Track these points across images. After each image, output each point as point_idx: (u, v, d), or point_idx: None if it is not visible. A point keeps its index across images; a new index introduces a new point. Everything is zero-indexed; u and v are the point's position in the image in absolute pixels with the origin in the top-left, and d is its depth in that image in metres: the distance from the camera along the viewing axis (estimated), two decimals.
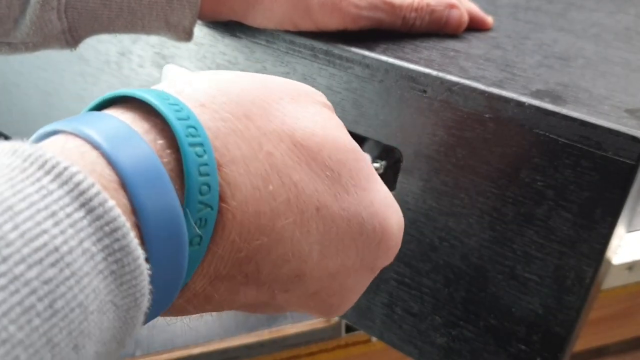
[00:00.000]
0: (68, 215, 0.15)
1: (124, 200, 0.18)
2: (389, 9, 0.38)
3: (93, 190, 0.16)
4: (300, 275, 0.23)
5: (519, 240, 0.32)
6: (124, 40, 0.47)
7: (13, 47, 0.36)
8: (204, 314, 0.23)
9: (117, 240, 0.16)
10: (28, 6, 0.33)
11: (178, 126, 0.19)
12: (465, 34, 0.42)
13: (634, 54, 0.42)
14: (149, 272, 0.18)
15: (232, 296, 0.22)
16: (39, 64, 0.54)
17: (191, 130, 0.20)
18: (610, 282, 0.63)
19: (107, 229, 0.16)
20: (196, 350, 0.55)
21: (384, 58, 0.35)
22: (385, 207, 0.25)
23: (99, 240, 0.16)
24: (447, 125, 0.33)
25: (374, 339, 0.60)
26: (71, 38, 0.36)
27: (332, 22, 0.37)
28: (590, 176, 0.29)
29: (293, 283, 0.23)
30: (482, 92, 0.32)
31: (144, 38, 0.45)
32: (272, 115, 0.22)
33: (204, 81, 0.22)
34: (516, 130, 0.31)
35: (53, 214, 0.15)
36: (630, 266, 0.62)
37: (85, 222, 0.16)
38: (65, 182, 0.16)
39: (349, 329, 0.59)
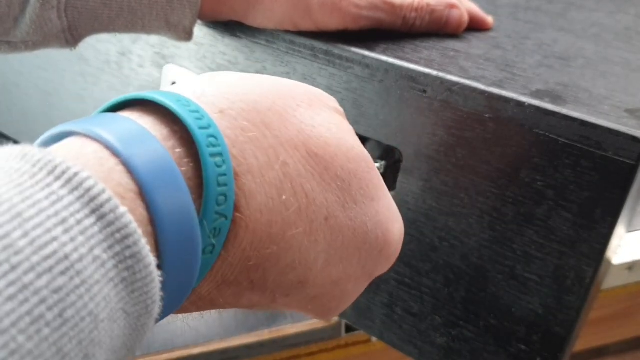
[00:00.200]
0: (79, 222, 0.15)
1: (141, 209, 0.17)
2: (389, 9, 0.38)
3: (104, 197, 0.16)
4: (304, 282, 0.23)
5: (519, 240, 0.32)
6: (124, 40, 0.47)
7: (13, 46, 0.36)
8: (205, 312, 0.23)
9: (129, 247, 0.16)
10: (28, 5, 0.33)
11: (200, 136, 0.19)
12: (465, 34, 0.42)
13: (634, 54, 0.42)
14: (161, 279, 0.17)
15: (235, 300, 0.22)
16: (39, 63, 0.54)
17: (212, 139, 0.19)
18: (610, 282, 0.63)
19: (118, 235, 0.16)
20: (196, 350, 0.55)
21: (384, 58, 0.35)
22: (388, 216, 0.25)
23: (110, 247, 0.16)
24: (447, 125, 0.33)
25: (374, 339, 0.60)
26: (71, 37, 0.36)
27: (332, 22, 0.37)
28: (590, 176, 0.29)
29: (296, 289, 0.23)
30: (482, 92, 0.32)
31: (144, 38, 0.45)
32: (289, 122, 0.22)
33: (221, 85, 0.22)
34: (516, 130, 0.31)
35: (63, 220, 0.15)
36: (630, 266, 0.62)
37: (96, 228, 0.16)
38: (76, 188, 0.16)
39: (349, 329, 0.59)
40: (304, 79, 0.38)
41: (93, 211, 0.16)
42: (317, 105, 0.24)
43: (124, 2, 0.35)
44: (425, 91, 0.33)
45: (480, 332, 0.35)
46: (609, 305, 0.68)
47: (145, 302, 0.17)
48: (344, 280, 0.25)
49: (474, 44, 0.40)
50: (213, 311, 0.23)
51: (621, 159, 0.28)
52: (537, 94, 0.31)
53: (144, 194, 0.18)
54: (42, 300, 0.14)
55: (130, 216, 0.16)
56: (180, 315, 0.23)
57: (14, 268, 0.14)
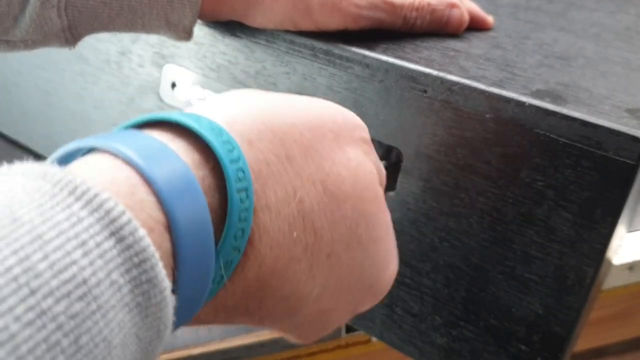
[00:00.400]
0: (98, 245, 0.15)
1: (167, 242, 0.17)
2: (390, 8, 0.38)
3: (124, 219, 0.16)
4: (295, 311, 0.24)
5: (519, 240, 0.32)
6: (124, 39, 0.47)
7: (12, 45, 0.35)
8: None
9: (145, 271, 0.16)
10: (28, 4, 0.33)
11: (231, 171, 0.19)
12: (465, 33, 0.42)
13: (635, 53, 0.42)
14: (175, 304, 0.17)
15: (226, 321, 0.23)
16: (39, 63, 0.54)
17: (240, 174, 0.20)
18: (610, 282, 0.63)
19: (136, 259, 0.16)
20: (196, 351, 0.55)
21: (384, 58, 0.35)
22: (386, 257, 0.26)
23: (127, 271, 0.16)
24: (447, 125, 0.33)
25: (374, 339, 0.60)
26: (71, 36, 0.36)
27: (332, 22, 0.37)
28: (590, 176, 0.29)
29: (286, 317, 0.24)
30: (483, 92, 0.32)
31: (143, 38, 0.45)
32: (311, 157, 0.22)
33: (252, 110, 0.22)
34: (516, 130, 0.31)
35: (83, 243, 0.15)
36: (631, 266, 0.62)
37: (114, 252, 0.15)
38: (96, 210, 0.16)
39: (349, 329, 0.59)
40: (304, 78, 0.38)
41: (112, 233, 0.16)
42: (342, 137, 0.24)
43: (124, 1, 0.35)
44: (425, 91, 0.33)
45: (481, 332, 0.35)
46: (610, 306, 0.68)
47: (157, 327, 0.17)
48: (330, 311, 0.25)
49: (475, 44, 0.40)
50: None
51: (621, 159, 0.28)
52: (537, 94, 0.31)
53: (171, 227, 0.17)
54: (59, 327, 0.14)
55: (149, 239, 0.16)
56: None
57: (33, 292, 0.13)
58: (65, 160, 0.19)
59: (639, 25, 0.50)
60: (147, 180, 0.18)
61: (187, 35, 0.38)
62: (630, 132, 0.28)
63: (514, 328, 0.34)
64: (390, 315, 0.38)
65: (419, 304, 0.37)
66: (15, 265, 0.13)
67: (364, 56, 0.35)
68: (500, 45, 0.40)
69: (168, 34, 0.38)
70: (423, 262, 0.36)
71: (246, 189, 0.20)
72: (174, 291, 0.17)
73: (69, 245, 0.15)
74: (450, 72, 0.33)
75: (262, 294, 0.22)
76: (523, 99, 0.31)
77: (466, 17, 0.41)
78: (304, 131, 0.23)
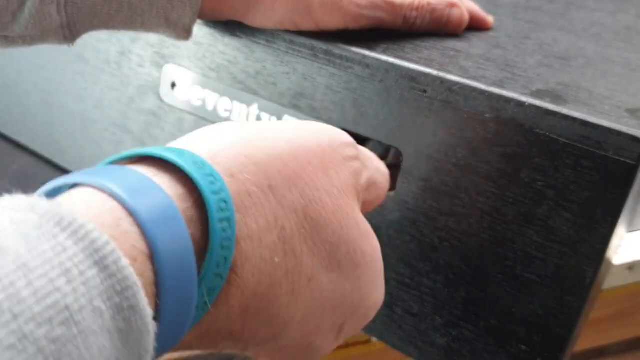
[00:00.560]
0: (81, 273, 0.15)
1: (149, 272, 0.18)
2: (390, 8, 0.38)
3: (108, 248, 0.16)
4: (278, 335, 0.24)
5: (519, 240, 0.32)
6: (124, 39, 0.47)
7: (10, 41, 0.35)
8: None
9: (127, 298, 0.16)
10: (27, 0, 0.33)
11: (212, 202, 0.20)
12: (465, 33, 0.42)
13: (635, 53, 0.42)
14: (156, 331, 0.18)
15: (209, 346, 0.23)
16: (39, 62, 0.54)
17: (222, 204, 0.20)
18: (610, 282, 0.63)
19: (118, 287, 0.16)
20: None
21: (384, 58, 0.35)
22: (369, 284, 0.26)
23: (110, 298, 0.16)
24: (447, 125, 0.33)
25: (374, 339, 0.60)
26: (69, 33, 0.35)
27: (332, 22, 0.37)
28: (590, 176, 0.29)
29: (268, 341, 0.24)
30: (483, 92, 0.32)
31: (143, 37, 0.45)
32: (295, 185, 0.23)
33: (235, 144, 0.23)
34: (516, 130, 0.31)
35: (67, 271, 0.15)
36: (631, 266, 0.62)
37: (97, 280, 0.16)
38: (81, 240, 0.16)
39: None
40: (304, 78, 0.38)
41: (96, 262, 0.16)
42: (328, 162, 0.25)
43: None
44: (425, 91, 0.33)
45: (481, 332, 0.35)
46: (610, 306, 0.68)
47: (139, 352, 0.17)
48: (313, 334, 0.25)
49: (475, 44, 0.40)
50: None
51: (621, 159, 0.28)
52: (537, 94, 0.31)
53: (154, 258, 0.18)
54: (40, 350, 0.14)
55: (132, 268, 0.17)
56: None
57: (15, 317, 0.14)
58: (52, 194, 0.20)
59: (639, 25, 0.50)
60: (131, 213, 0.18)
61: (186, 34, 0.38)
62: (630, 132, 0.28)
63: (514, 328, 0.34)
64: (390, 316, 0.38)
65: (419, 304, 0.37)
66: None
67: (364, 56, 0.35)
68: (500, 45, 0.40)
69: (167, 32, 0.38)
70: (423, 262, 0.36)
71: (228, 219, 0.20)
72: (156, 318, 0.18)
73: (52, 273, 0.15)
74: (450, 72, 0.33)
75: (245, 318, 0.22)
76: (523, 99, 0.31)
77: (466, 17, 0.41)
78: (288, 161, 0.23)
